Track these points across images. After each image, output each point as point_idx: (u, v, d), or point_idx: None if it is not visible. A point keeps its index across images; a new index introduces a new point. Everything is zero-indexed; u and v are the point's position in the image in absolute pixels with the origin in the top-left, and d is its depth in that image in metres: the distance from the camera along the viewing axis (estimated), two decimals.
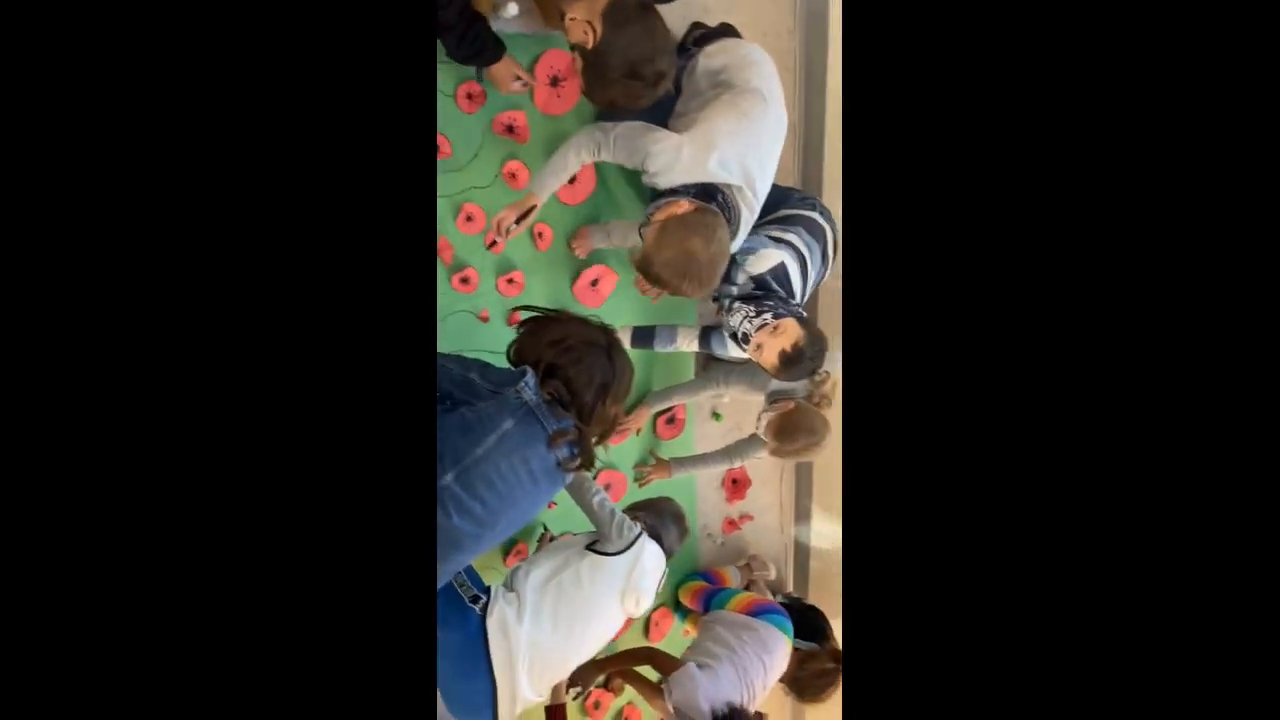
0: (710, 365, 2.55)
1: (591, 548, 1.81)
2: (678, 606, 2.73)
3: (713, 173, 1.65)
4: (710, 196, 1.67)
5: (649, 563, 1.79)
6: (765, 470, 3.02)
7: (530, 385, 1.41)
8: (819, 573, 3.19)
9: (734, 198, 1.72)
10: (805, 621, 2.56)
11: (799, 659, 2.29)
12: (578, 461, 1.50)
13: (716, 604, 2.56)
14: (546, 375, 1.44)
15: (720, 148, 1.65)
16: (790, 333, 1.90)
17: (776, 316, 1.91)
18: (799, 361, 1.92)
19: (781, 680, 2.32)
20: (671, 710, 2.14)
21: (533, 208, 1.77)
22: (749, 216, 1.78)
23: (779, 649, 2.39)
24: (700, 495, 2.78)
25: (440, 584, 1.50)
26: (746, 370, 2.25)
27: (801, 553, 3.22)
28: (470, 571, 1.77)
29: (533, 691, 1.70)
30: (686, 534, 1.99)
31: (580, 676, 2.24)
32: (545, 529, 2.30)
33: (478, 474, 1.38)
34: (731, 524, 2.90)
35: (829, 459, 3.00)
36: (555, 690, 2.12)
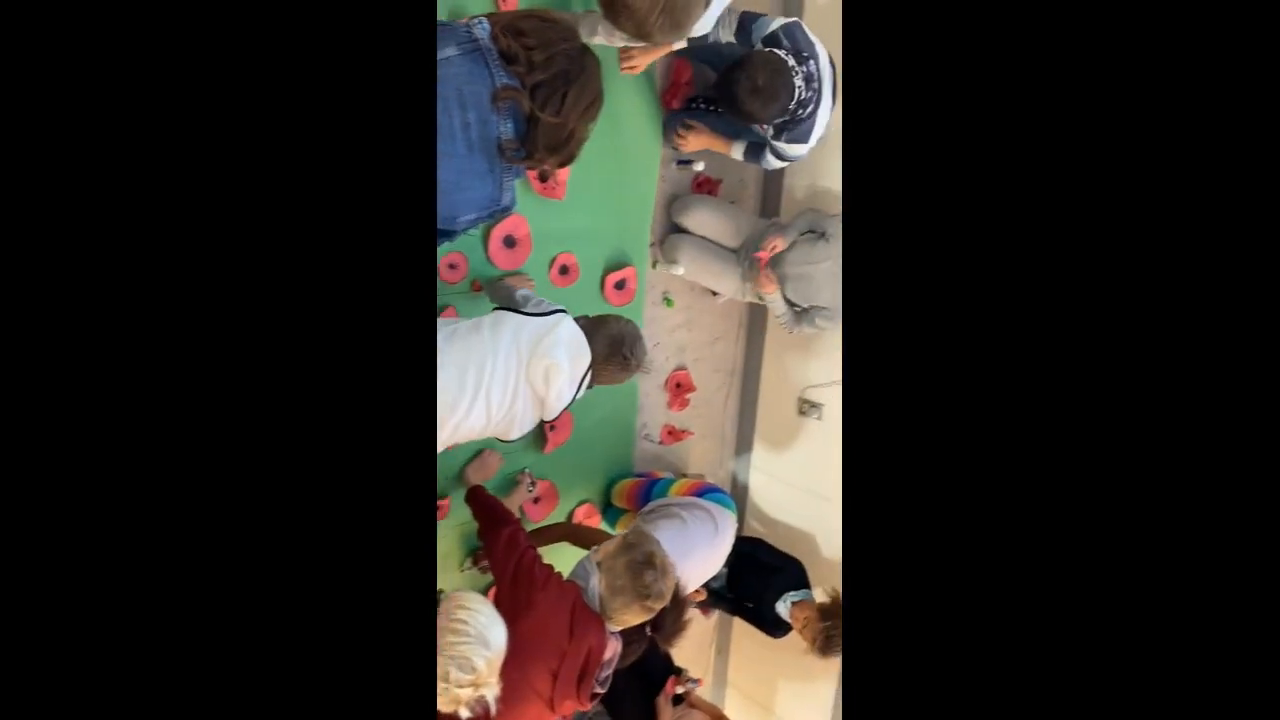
0: None
1: (502, 309, 1.56)
2: (607, 508, 2.43)
3: None
4: None
5: (566, 335, 1.53)
6: (710, 390, 2.81)
7: (484, 26, 1.16)
8: (756, 511, 2.95)
9: None
10: (796, 572, 2.42)
11: (820, 612, 2.19)
12: (524, 153, 1.21)
13: (657, 493, 2.29)
14: (505, 30, 1.18)
15: None
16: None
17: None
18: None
19: (805, 637, 2.21)
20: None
21: None
22: None
23: (728, 529, 2.15)
24: (643, 391, 2.53)
25: None
26: None
27: (739, 489, 2.98)
28: None
29: None
30: (625, 367, 1.65)
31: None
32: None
33: None
34: (672, 434, 2.65)
35: (779, 395, 2.83)
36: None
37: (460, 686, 1.19)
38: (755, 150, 2.07)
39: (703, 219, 2.30)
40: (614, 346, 1.61)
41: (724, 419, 2.91)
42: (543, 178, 1.89)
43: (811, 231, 2.14)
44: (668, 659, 2.69)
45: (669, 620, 1.68)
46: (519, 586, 1.49)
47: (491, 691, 1.23)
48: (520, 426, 1.56)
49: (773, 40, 1.79)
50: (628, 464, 2.52)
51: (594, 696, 1.52)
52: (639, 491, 2.34)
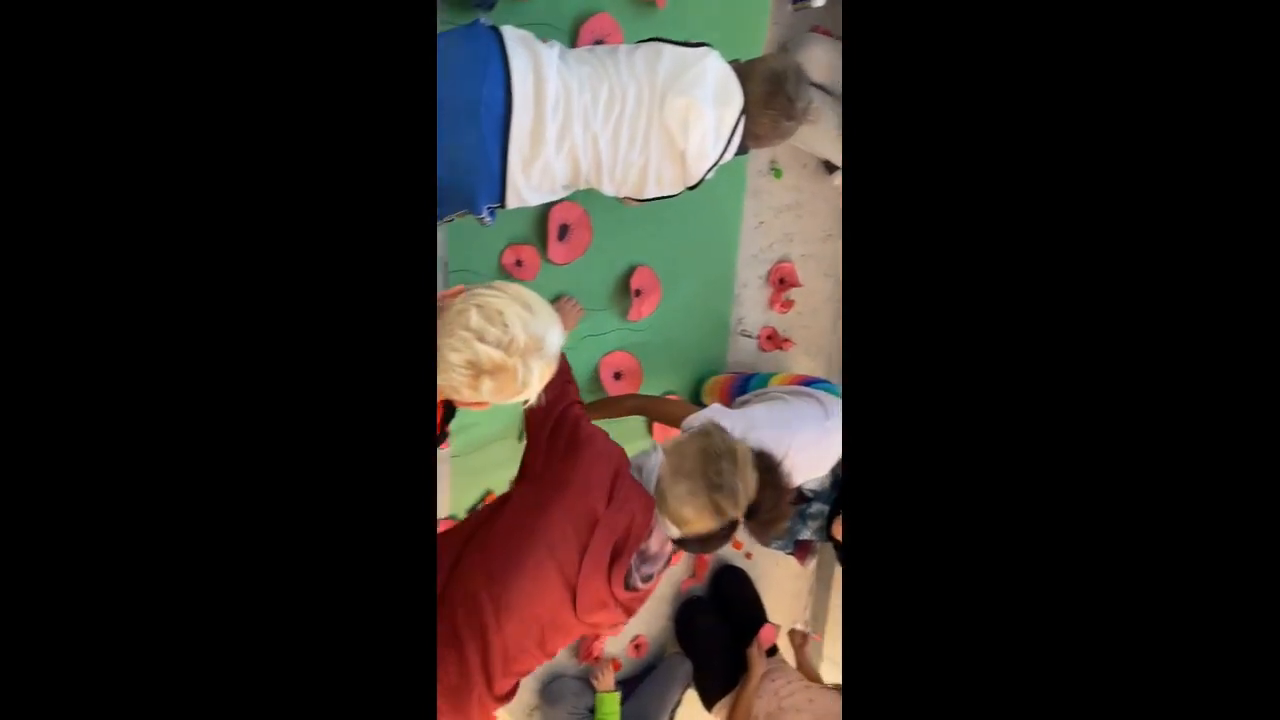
0: None
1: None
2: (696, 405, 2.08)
3: None
4: None
5: (714, 70, 1.21)
6: (818, 299, 2.43)
7: None
8: None
9: None
10: None
11: None
12: None
13: (755, 386, 1.93)
14: None
15: None
16: None
17: None
18: None
19: None
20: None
21: None
22: None
23: (840, 419, 1.76)
24: (740, 281, 2.18)
25: None
26: None
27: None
28: None
29: (539, 178, 1.20)
30: (789, 113, 1.28)
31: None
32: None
33: None
34: (771, 339, 2.28)
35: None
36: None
37: (482, 341, 0.86)
38: None
39: (821, 66, 1.95)
40: (775, 84, 1.25)
41: (832, 338, 2.51)
42: None
43: None
44: (758, 604, 2.29)
45: (766, 503, 1.29)
46: (558, 436, 1.13)
47: (531, 376, 0.90)
48: (656, 183, 1.25)
49: None
50: (721, 362, 2.16)
51: (629, 588, 1.12)
52: (732, 387, 1.98)
